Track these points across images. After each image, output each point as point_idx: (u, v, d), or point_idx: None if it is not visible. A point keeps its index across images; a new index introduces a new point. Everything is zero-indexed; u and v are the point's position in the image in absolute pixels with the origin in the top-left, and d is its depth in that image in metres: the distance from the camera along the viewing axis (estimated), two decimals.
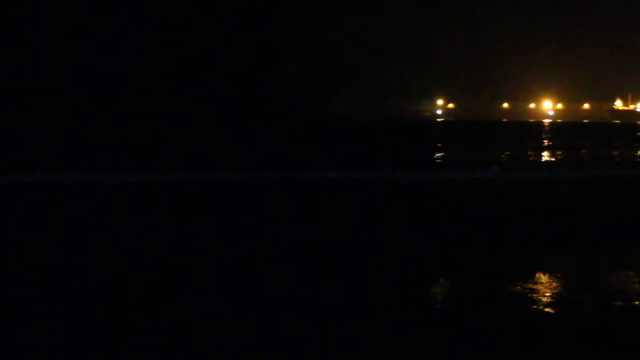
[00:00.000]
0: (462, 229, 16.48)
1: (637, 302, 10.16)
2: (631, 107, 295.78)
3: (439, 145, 56.73)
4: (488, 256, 13.35)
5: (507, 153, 49.37)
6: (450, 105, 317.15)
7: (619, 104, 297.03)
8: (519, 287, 10.50)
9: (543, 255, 13.59)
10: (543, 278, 11.20)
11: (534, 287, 10.47)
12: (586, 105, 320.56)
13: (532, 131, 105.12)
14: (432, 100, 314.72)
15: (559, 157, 46.38)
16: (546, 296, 9.93)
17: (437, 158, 45.47)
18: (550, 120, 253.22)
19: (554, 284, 10.95)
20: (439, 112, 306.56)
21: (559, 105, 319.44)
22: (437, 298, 10.40)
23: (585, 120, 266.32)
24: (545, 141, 69.71)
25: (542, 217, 18.47)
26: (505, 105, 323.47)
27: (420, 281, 11.47)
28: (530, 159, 45.09)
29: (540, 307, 9.51)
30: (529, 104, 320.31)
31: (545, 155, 47.91)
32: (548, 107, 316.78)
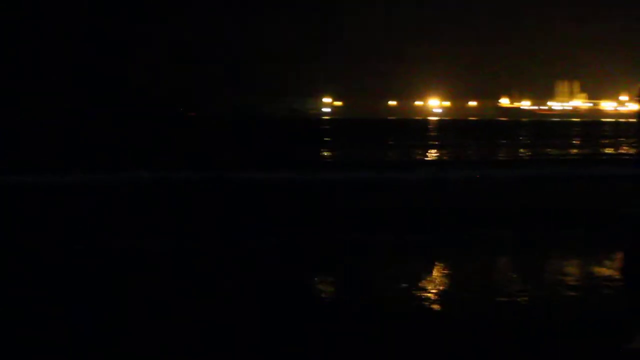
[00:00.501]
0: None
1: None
2: (517, 104, 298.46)
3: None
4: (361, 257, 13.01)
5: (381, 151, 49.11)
6: (338, 103, 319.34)
7: (505, 102, 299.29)
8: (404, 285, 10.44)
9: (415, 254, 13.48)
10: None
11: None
12: (473, 103, 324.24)
13: (413, 128, 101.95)
14: (319, 98, 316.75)
15: (438, 156, 45.44)
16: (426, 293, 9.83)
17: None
18: (438, 118, 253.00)
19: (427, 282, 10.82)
20: (326, 110, 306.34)
21: (446, 103, 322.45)
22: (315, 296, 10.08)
23: (472, 118, 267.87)
24: (431, 140, 69.18)
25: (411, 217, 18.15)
26: (393, 102, 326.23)
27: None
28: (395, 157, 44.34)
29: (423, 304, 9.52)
30: (416, 101, 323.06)
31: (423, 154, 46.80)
32: (435, 104, 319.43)
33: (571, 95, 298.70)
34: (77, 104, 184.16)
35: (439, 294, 10.43)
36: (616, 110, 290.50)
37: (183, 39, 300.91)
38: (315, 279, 11.45)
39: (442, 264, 13.03)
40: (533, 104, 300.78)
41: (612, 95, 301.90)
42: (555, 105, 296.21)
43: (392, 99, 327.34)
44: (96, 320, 10.61)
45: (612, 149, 52.60)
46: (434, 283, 11.13)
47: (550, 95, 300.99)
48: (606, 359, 7.58)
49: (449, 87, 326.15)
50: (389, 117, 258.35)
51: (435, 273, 12.07)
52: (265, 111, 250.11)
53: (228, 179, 28.09)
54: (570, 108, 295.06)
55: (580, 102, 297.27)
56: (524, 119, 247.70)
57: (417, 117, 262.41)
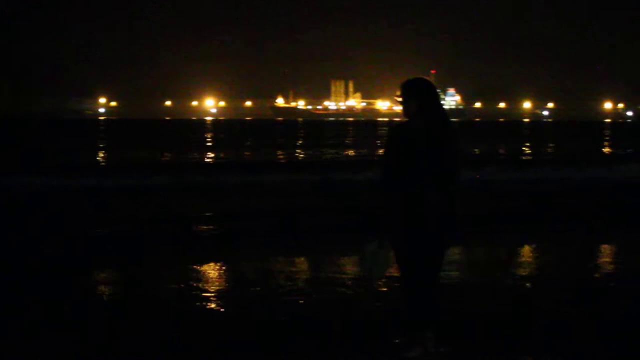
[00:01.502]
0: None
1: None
2: (292, 104, 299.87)
3: None
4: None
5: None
6: (113, 103, 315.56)
7: (280, 101, 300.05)
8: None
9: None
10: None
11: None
12: (248, 103, 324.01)
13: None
14: (95, 98, 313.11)
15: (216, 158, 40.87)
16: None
17: None
18: (213, 118, 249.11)
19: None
20: (102, 110, 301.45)
21: (222, 103, 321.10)
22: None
23: (248, 118, 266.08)
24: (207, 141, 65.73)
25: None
26: (168, 103, 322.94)
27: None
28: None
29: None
30: (192, 101, 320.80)
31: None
32: (210, 104, 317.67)
33: (346, 95, 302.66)
34: None
35: None
36: (391, 109, 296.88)
37: None
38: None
39: None
40: (308, 104, 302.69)
41: (387, 95, 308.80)
42: (331, 105, 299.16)
43: (168, 99, 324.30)
44: None
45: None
46: None
47: (326, 95, 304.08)
48: None
49: (225, 88, 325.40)
50: (166, 118, 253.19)
51: None
52: (38, 112, 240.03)
53: None
54: (345, 108, 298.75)
55: (354, 102, 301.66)
56: (300, 119, 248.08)
57: (193, 118, 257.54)
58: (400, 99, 6.27)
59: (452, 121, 6.34)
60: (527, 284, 9.88)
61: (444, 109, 6.32)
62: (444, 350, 6.53)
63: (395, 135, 6.33)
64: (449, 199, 6.17)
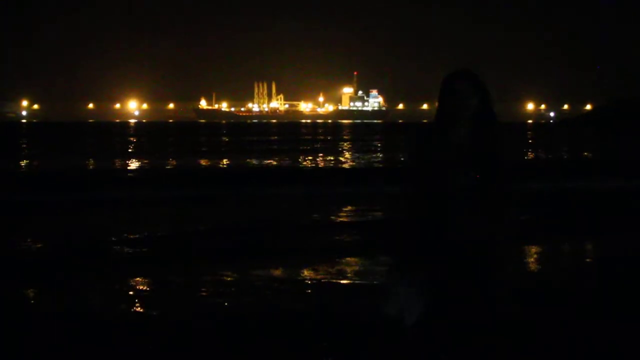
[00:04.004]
0: None
1: None
2: (216, 106, 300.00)
3: None
4: None
5: None
6: (35, 107, 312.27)
7: (203, 104, 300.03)
8: None
9: None
10: None
11: None
12: (171, 105, 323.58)
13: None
14: (17, 102, 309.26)
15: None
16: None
17: None
18: (136, 121, 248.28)
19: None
20: (24, 113, 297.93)
21: (144, 106, 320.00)
22: None
23: (171, 120, 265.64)
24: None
25: None
26: (91, 105, 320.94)
27: None
28: None
29: None
30: (115, 104, 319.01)
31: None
32: (133, 107, 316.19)
33: (270, 96, 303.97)
34: None
35: None
36: (314, 111, 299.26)
37: None
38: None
39: None
40: (231, 106, 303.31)
41: (310, 97, 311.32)
42: (254, 107, 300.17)
43: (91, 102, 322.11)
44: None
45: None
46: None
47: (250, 97, 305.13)
48: None
49: (148, 90, 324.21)
50: (89, 120, 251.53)
51: None
52: None
53: None
54: (268, 110, 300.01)
55: (277, 104, 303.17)
56: (223, 121, 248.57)
57: (116, 120, 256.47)
58: (453, 98, 4.70)
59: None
60: None
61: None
62: None
63: (430, 145, 4.76)
64: (498, 223, 4.71)
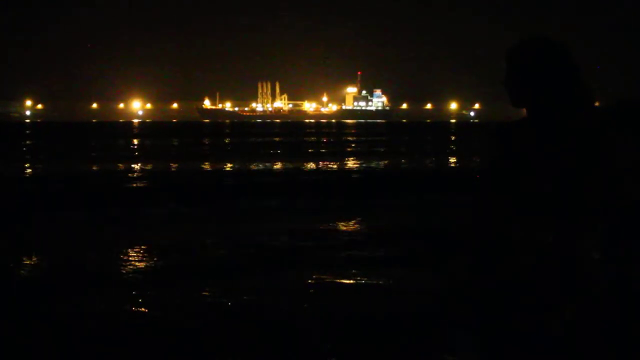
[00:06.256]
0: None
1: None
2: (220, 106, 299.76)
3: None
4: None
5: None
6: (39, 106, 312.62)
7: (207, 104, 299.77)
8: None
9: None
10: None
11: None
12: (175, 105, 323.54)
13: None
14: (21, 101, 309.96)
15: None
16: None
17: None
18: (140, 120, 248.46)
19: None
20: (28, 113, 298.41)
21: (148, 105, 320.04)
22: None
23: (175, 120, 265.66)
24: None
25: None
26: (95, 105, 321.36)
27: None
28: None
29: None
30: (119, 104, 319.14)
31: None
32: (137, 107, 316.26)
33: (273, 96, 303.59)
34: None
35: None
36: (318, 110, 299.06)
37: None
38: None
39: None
40: (235, 106, 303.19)
41: (314, 96, 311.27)
42: (258, 107, 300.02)
43: (94, 102, 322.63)
44: None
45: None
46: None
47: (253, 97, 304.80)
48: None
49: (152, 90, 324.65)
50: (93, 120, 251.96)
51: None
52: None
53: None
54: (272, 109, 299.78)
55: (281, 104, 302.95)
56: (227, 121, 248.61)
57: (120, 120, 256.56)
58: (522, 78, 3.08)
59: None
60: None
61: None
62: None
63: (507, 150, 3.07)
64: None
